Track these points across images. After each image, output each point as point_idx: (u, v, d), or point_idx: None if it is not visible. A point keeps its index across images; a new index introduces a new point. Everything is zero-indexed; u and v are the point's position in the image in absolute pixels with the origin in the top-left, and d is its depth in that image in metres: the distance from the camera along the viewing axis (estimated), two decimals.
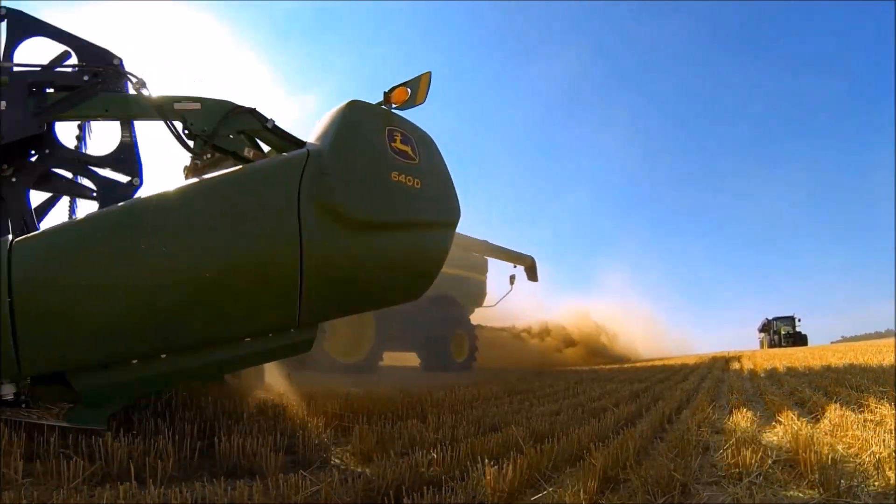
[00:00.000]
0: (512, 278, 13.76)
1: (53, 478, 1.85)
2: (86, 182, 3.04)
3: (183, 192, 2.48)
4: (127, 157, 3.01)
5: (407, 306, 11.00)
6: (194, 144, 2.93)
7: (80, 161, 3.02)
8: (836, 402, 4.07)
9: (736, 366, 10.94)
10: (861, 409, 3.73)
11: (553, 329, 17.51)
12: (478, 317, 13.96)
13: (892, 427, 2.91)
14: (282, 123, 3.00)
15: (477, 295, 12.91)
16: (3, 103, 2.57)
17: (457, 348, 11.10)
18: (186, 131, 2.89)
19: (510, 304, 17.56)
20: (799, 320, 32.63)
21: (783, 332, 32.22)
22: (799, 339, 31.29)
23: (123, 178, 3.00)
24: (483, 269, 13.11)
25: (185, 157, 3.32)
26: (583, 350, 17.86)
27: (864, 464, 2.28)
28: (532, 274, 14.72)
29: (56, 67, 2.88)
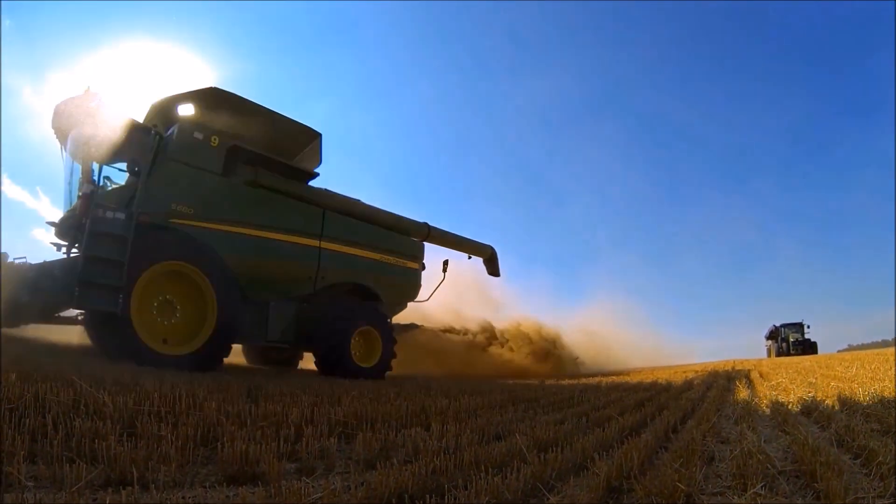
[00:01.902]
0: (445, 264, 11.13)
1: (56, 481, 1.85)
2: None
3: None
4: None
5: (298, 292, 8.98)
6: None
7: None
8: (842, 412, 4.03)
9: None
10: (868, 418, 3.69)
11: (520, 334, 15.79)
12: (429, 319, 12.30)
13: None
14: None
15: (405, 286, 10.33)
16: None
17: (361, 349, 8.84)
18: None
19: (488, 304, 16.30)
20: (808, 327, 31.85)
21: (791, 340, 31.53)
22: (808, 347, 30.58)
23: None
24: (416, 256, 10.50)
25: None
26: (554, 359, 15.96)
27: (870, 473, 2.25)
28: (492, 267, 12.47)
29: None
